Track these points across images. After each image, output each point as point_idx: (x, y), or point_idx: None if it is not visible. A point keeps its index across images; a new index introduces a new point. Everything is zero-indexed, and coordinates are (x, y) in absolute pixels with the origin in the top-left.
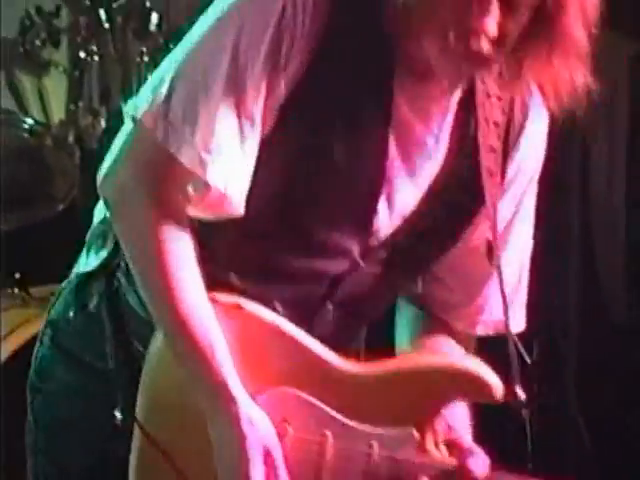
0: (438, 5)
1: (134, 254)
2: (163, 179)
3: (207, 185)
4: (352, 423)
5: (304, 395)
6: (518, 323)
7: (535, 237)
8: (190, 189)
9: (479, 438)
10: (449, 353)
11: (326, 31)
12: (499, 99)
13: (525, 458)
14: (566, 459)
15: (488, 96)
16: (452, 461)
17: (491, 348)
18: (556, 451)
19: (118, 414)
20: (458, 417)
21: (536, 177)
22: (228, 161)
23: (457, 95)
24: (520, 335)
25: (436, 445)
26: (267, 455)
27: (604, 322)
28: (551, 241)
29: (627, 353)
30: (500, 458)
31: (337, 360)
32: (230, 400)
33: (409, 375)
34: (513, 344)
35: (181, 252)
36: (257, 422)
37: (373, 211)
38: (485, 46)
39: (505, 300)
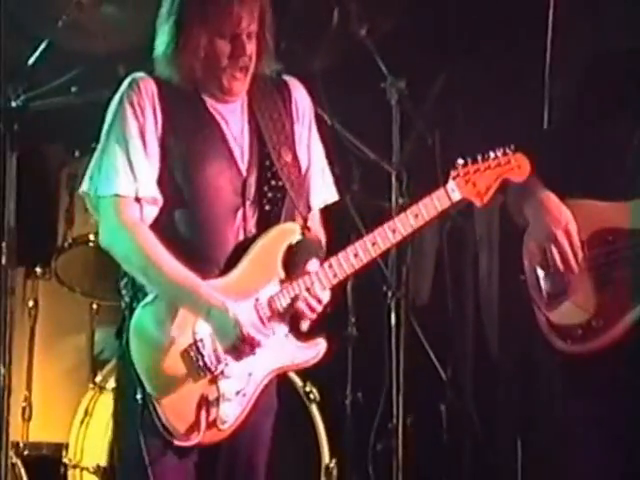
0: None
1: (133, 261)
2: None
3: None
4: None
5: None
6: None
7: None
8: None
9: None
10: None
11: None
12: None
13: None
14: (464, 440)
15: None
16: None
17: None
18: (458, 437)
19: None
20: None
21: (312, 120)
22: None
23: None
24: (439, 362)
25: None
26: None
27: (487, 353)
28: (458, 308)
29: (500, 371)
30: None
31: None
32: (212, 296)
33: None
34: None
35: (155, 243)
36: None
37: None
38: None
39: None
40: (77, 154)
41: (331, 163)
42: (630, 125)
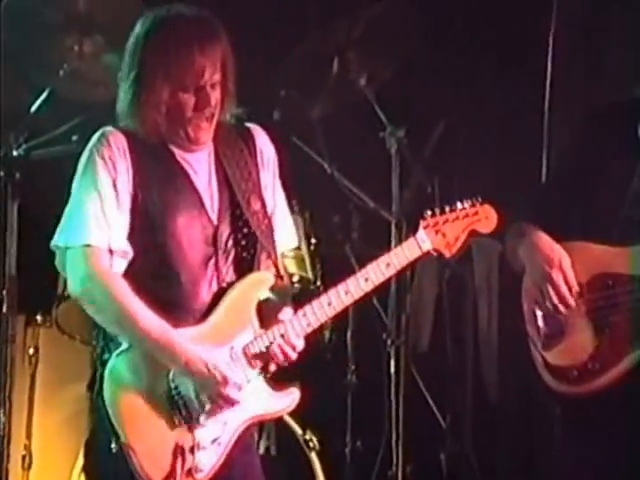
0: None
1: (106, 312)
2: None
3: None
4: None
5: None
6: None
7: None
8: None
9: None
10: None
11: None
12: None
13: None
14: None
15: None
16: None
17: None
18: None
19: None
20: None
21: (275, 167)
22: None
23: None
24: (439, 409)
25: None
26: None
27: (486, 400)
28: (457, 355)
29: (499, 418)
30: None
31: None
32: (189, 350)
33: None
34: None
35: (128, 293)
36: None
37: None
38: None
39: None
40: None
41: (331, 211)
42: (630, 168)
